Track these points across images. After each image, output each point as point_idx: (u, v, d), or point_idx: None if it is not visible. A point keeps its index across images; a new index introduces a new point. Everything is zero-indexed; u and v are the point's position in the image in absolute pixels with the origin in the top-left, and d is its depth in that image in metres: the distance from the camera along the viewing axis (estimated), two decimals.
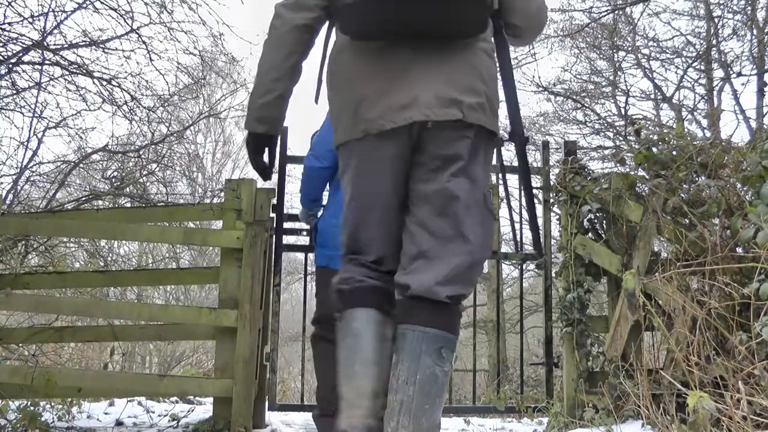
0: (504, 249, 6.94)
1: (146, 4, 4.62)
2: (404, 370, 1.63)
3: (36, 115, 4.72)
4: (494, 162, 1.90)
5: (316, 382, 3.11)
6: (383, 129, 1.69)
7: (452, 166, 1.70)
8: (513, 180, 3.29)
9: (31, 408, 3.46)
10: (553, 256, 4.30)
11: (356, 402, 1.66)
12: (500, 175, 2.05)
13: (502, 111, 1.88)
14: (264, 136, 1.90)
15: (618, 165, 3.75)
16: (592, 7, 11.55)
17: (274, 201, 4.06)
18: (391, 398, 1.63)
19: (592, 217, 3.71)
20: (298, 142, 4.66)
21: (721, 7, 10.86)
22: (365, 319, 1.71)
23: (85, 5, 4.48)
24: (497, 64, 1.83)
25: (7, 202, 4.57)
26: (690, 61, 11.92)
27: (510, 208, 2.49)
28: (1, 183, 4.95)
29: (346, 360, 1.70)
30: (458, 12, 1.66)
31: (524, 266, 7.56)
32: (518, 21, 1.87)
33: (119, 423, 4.07)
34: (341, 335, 1.74)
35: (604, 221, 3.69)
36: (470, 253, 1.71)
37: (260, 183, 4.06)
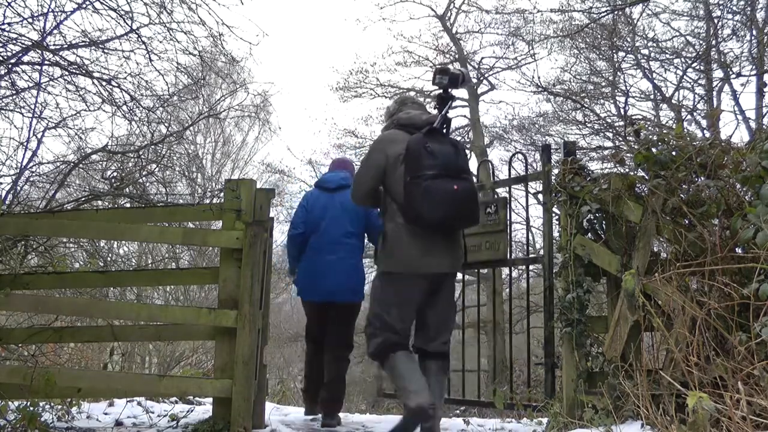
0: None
1: (146, 4, 4.61)
2: (432, 382, 3.32)
3: (35, 115, 4.72)
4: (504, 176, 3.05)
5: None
6: (423, 272, 3.31)
7: (450, 293, 3.50)
8: (515, 191, 4.33)
9: (31, 408, 3.45)
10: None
11: (423, 390, 3.16)
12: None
13: None
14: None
15: (617, 165, 3.75)
16: (591, 8, 11.56)
17: (274, 201, 4.08)
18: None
19: (592, 217, 3.71)
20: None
21: (721, 7, 10.86)
22: (407, 354, 3.33)
23: (84, 5, 4.48)
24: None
25: (7, 202, 4.57)
26: (689, 62, 11.91)
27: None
28: (1, 183, 4.94)
29: (406, 372, 3.24)
30: (472, 223, 3.48)
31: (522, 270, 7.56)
32: None
33: (119, 423, 4.07)
34: (394, 364, 3.27)
35: (604, 221, 3.69)
36: (451, 331, 3.54)
37: (260, 184, 4.09)
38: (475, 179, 3.76)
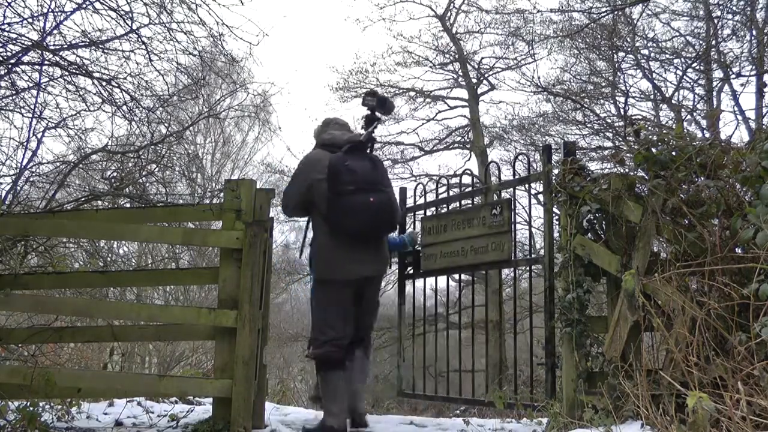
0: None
1: (146, 4, 4.60)
2: (358, 364, 3.93)
3: (35, 115, 4.71)
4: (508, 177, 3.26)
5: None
6: (350, 278, 3.75)
7: (374, 293, 3.97)
8: (517, 192, 4.83)
9: (31, 408, 3.45)
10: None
11: (342, 413, 3.75)
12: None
13: None
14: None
15: (617, 165, 3.75)
16: (591, 8, 11.57)
17: (274, 201, 4.09)
18: (355, 375, 3.93)
19: (592, 217, 3.71)
20: None
21: (721, 7, 10.87)
22: (341, 375, 3.77)
23: (84, 5, 4.47)
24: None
25: (7, 202, 4.56)
26: (689, 62, 11.91)
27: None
28: (1, 183, 4.94)
29: (335, 393, 3.73)
30: (390, 230, 3.98)
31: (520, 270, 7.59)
32: None
33: (119, 423, 4.07)
34: (328, 380, 3.74)
35: (604, 222, 3.69)
36: (374, 322, 4.15)
37: (260, 184, 4.12)
38: (482, 181, 4.12)
